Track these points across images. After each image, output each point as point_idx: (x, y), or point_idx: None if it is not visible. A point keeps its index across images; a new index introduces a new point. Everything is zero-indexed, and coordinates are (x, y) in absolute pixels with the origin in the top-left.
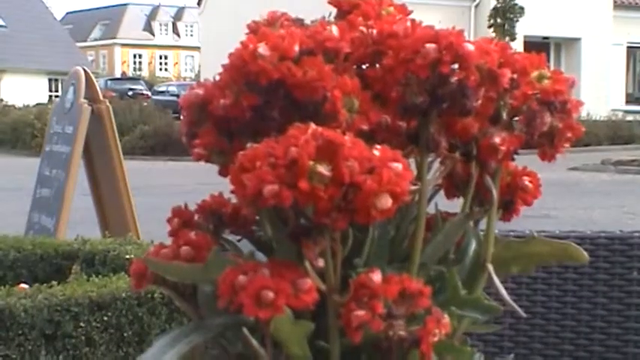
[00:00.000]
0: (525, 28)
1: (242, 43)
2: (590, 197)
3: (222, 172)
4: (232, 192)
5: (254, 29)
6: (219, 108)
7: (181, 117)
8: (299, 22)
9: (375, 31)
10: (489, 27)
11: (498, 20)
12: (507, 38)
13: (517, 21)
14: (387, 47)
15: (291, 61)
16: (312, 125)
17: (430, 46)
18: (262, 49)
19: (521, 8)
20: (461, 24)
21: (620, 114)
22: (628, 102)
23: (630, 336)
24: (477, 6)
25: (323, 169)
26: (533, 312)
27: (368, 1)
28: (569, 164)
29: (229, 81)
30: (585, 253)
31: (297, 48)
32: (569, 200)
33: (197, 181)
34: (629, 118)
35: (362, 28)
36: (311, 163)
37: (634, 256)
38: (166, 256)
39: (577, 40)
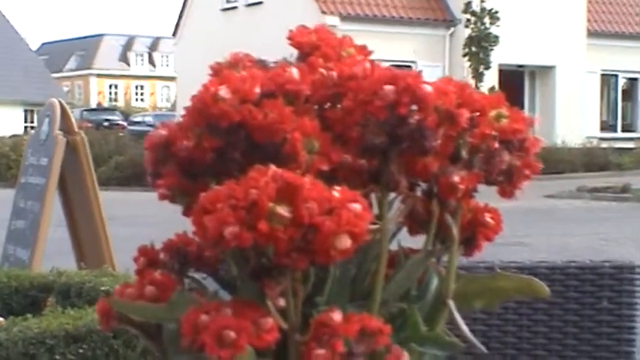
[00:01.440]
0: (500, 56)
1: (204, 85)
2: (566, 224)
3: (186, 213)
4: (194, 233)
5: (217, 71)
6: (182, 149)
7: (145, 157)
8: (261, 64)
9: (334, 74)
10: (464, 56)
11: (473, 49)
12: (482, 67)
13: (492, 49)
14: (346, 89)
15: (252, 103)
16: (273, 167)
17: (388, 88)
18: (223, 91)
19: (496, 37)
20: (436, 53)
21: (594, 141)
22: (602, 129)
23: None
24: (451, 35)
25: (282, 211)
26: (505, 342)
27: (329, 42)
28: (545, 192)
29: (191, 123)
30: (547, 288)
31: (258, 90)
32: (543, 227)
33: (173, 210)
34: (604, 145)
35: (322, 70)
36: (271, 204)
37: (604, 285)
38: (131, 296)
39: (551, 68)
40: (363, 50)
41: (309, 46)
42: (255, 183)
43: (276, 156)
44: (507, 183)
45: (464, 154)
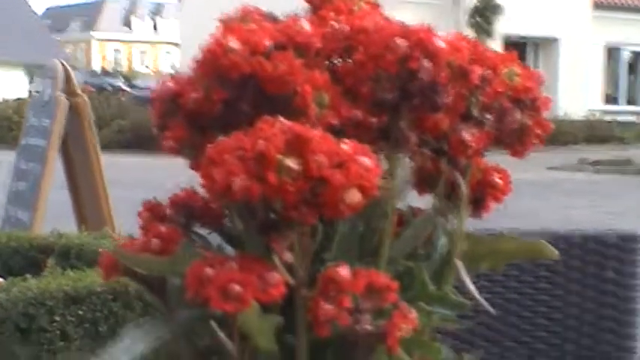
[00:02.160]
0: (504, 27)
1: (214, 37)
2: (568, 197)
3: (193, 166)
4: (202, 186)
5: (226, 23)
6: (191, 101)
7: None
8: (271, 17)
9: (346, 27)
10: (470, 26)
11: (477, 19)
12: (486, 37)
13: (496, 20)
14: (357, 42)
15: (262, 55)
16: (282, 119)
17: (400, 41)
18: (233, 43)
19: (500, 7)
20: (440, 22)
21: (597, 114)
22: (606, 102)
23: (601, 344)
24: (455, 5)
25: (291, 163)
26: (507, 310)
27: None
28: (547, 164)
29: (201, 75)
30: (554, 250)
31: (268, 43)
32: (547, 200)
33: (172, 175)
34: (607, 118)
35: (333, 23)
36: (279, 156)
37: (607, 254)
38: (136, 249)
39: (555, 40)
40: (374, 5)
41: (320, 0)
42: (263, 134)
43: (286, 109)
44: (519, 143)
45: (475, 112)
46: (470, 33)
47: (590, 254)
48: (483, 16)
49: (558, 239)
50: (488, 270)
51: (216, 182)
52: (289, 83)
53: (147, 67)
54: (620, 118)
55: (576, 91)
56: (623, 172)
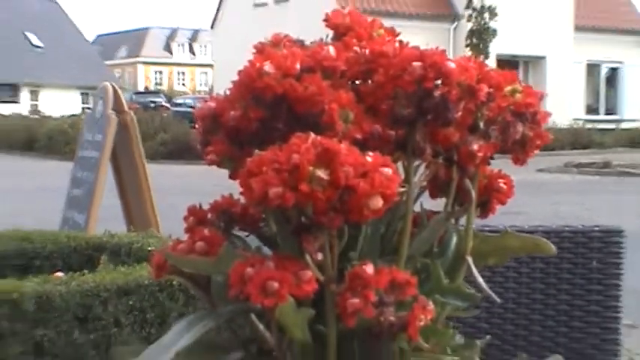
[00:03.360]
0: (497, 47)
1: (250, 61)
2: (556, 196)
3: (232, 176)
4: (241, 194)
5: (260, 49)
6: (230, 120)
7: (196, 126)
8: (300, 43)
9: (367, 51)
10: (466, 46)
11: (474, 41)
12: (482, 56)
13: (490, 41)
14: (378, 65)
15: (293, 78)
16: (312, 135)
17: (416, 64)
18: (267, 67)
19: (494, 30)
20: (442, 44)
21: (580, 122)
22: (587, 112)
23: (590, 327)
24: (455, 28)
25: (321, 174)
26: (506, 298)
27: (361, 24)
28: (537, 167)
29: (238, 95)
30: (553, 247)
31: (298, 66)
32: (537, 198)
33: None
34: (589, 126)
35: (356, 48)
36: (311, 168)
37: (594, 247)
38: (183, 251)
39: (542, 58)
40: (392, 32)
41: (344, 28)
42: (296, 148)
43: (315, 125)
44: (521, 151)
45: (482, 125)
46: (467, 53)
47: (579, 247)
48: (479, 38)
49: (550, 234)
50: (493, 264)
51: (255, 191)
52: (318, 102)
53: (184, 85)
54: (600, 126)
55: (562, 103)
56: (602, 174)
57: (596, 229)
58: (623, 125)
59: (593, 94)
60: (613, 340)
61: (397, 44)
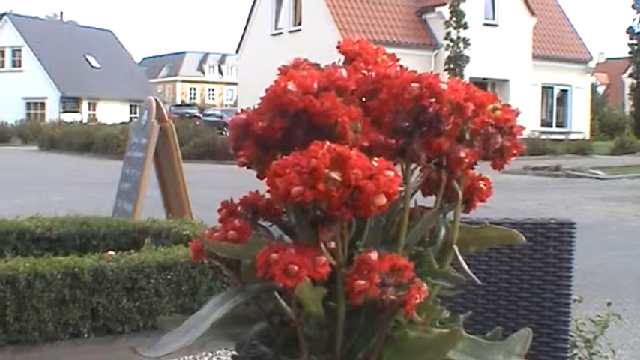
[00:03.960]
0: (470, 71)
1: (275, 81)
2: (516, 193)
3: (259, 176)
4: (267, 192)
5: (284, 71)
6: (258, 129)
7: (228, 134)
8: (316, 66)
9: (373, 74)
10: (445, 70)
11: (451, 66)
12: (458, 79)
13: (464, 66)
14: (382, 85)
15: (312, 95)
16: (327, 143)
17: (414, 85)
18: (290, 85)
19: (468, 57)
20: (424, 69)
21: (536, 134)
22: (542, 125)
23: (546, 302)
24: (435, 56)
25: (335, 176)
26: (479, 279)
27: (367, 51)
28: (502, 169)
29: (266, 109)
30: (523, 237)
31: (316, 85)
32: (502, 195)
33: (236, 179)
34: (543, 137)
35: (364, 71)
36: (326, 171)
37: (550, 237)
38: (218, 238)
39: (507, 80)
40: (393, 57)
41: (353, 53)
42: (314, 154)
43: (330, 135)
44: (499, 159)
45: (467, 136)
46: (446, 76)
47: (537, 236)
48: (456, 64)
49: (516, 226)
50: (473, 252)
51: (279, 189)
52: (332, 116)
53: (213, 99)
54: (552, 137)
55: (522, 118)
56: (554, 176)
57: (552, 221)
58: (571, 136)
59: (547, 111)
60: (564, 312)
61: (398, 68)
